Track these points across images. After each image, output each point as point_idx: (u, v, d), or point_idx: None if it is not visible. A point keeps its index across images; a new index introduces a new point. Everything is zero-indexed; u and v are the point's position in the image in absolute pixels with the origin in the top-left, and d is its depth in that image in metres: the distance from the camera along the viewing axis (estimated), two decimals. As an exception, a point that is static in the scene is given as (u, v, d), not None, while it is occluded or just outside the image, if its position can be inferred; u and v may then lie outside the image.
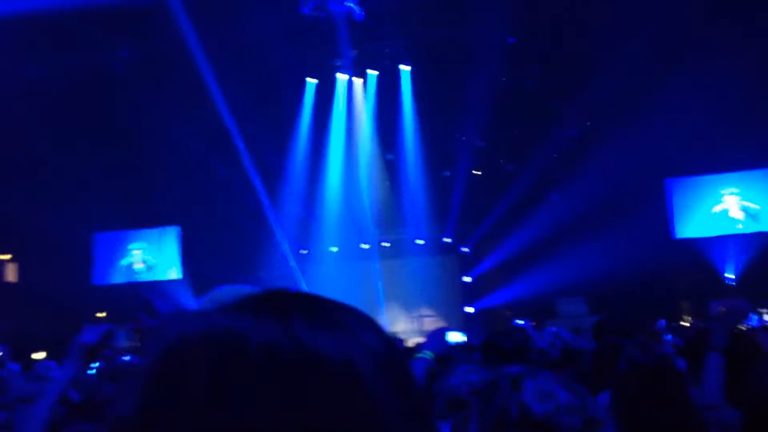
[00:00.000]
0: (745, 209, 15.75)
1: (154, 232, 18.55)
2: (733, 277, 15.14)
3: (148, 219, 17.99)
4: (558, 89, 15.65)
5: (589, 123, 15.38)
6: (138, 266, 18.55)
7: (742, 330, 4.19)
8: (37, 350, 13.58)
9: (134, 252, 18.62)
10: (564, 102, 15.52)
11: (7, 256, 17.98)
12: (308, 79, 16.87)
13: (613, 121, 14.50)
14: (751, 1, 12.88)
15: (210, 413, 0.58)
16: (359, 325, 0.66)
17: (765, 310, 8.76)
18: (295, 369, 0.60)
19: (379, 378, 0.62)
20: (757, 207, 15.70)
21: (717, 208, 15.89)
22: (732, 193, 15.79)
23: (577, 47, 14.63)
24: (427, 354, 3.06)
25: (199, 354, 0.61)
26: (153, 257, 18.50)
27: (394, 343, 0.68)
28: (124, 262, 18.65)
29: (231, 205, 16.95)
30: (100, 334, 2.49)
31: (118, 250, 18.65)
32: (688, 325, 11.25)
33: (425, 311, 16.88)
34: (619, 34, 13.25)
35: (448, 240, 17.44)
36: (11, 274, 18.08)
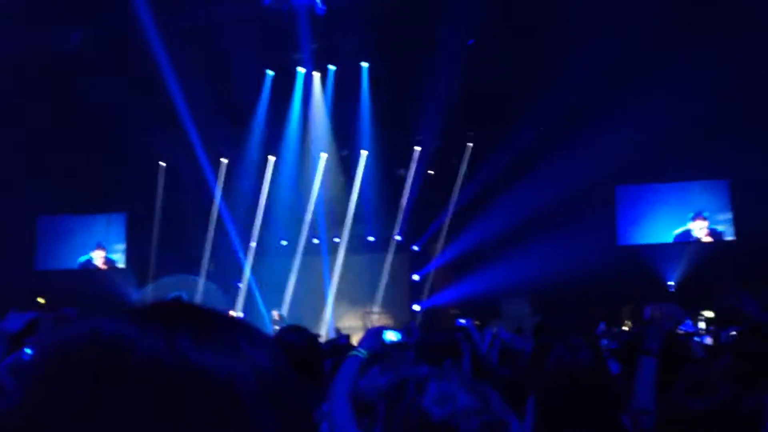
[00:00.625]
0: (711, 230, 16.13)
1: (100, 218, 18.17)
2: (673, 284, 15.53)
3: (94, 205, 17.61)
4: (514, 93, 15.82)
5: (542, 128, 15.58)
6: (102, 267, 18.13)
7: (675, 334, 4.28)
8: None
9: (94, 252, 18.17)
10: (520, 106, 15.71)
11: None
12: (267, 71, 16.74)
13: (566, 127, 14.72)
14: (709, 15, 13.20)
15: (85, 419, 0.58)
16: (251, 343, 0.65)
17: (701, 317, 8.97)
18: (173, 383, 0.59)
19: (260, 399, 0.62)
20: (723, 227, 16.05)
21: (680, 230, 16.21)
22: (701, 217, 16.14)
23: (535, 53, 14.82)
24: (361, 352, 3.04)
25: (81, 358, 0.61)
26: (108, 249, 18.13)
27: (285, 365, 0.67)
28: (82, 258, 18.18)
29: (179, 195, 16.72)
30: (25, 322, 2.41)
31: (62, 234, 18.20)
32: (626, 329, 11.49)
33: (373, 308, 16.91)
34: (577, 42, 13.47)
35: (399, 238, 17.49)
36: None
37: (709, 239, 16.09)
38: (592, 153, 13.72)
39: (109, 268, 17.90)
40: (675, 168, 15.47)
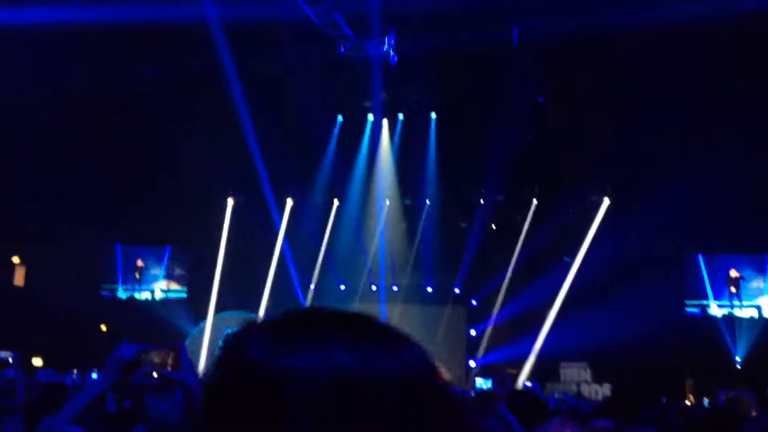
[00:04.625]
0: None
1: (166, 250, 18.57)
2: (740, 359, 14.88)
3: (158, 237, 18.01)
4: (581, 153, 15.66)
5: (610, 188, 15.37)
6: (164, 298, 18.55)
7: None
8: (37, 356, 13.56)
9: (159, 283, 18.62)
10: (586, 166, 15.53)
11: (17, 259, 17.98)
12: (338, 116, 17.04)
13: (635, 189, 14.47)
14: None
15: None
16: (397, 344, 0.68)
17: None
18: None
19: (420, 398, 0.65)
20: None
21: (747, 312, 15.72)
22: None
23: (605, 114, 14.69)
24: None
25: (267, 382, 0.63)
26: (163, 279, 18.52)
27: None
28: (146, 287, 18.61)
29: (245, 231, 16.98)
30: (137, 352, 2.60)
31: (129, 264, 18.64)
32: (689, 404, 11.09)
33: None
34: (649, 101, 13.26)
35: (458, 291, 17.32)
36: (19, 278, 18.07)
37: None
38: (663, 217, 13.33)
39: (170, 300, 18.21)
40: (751, 238, 14.92)
